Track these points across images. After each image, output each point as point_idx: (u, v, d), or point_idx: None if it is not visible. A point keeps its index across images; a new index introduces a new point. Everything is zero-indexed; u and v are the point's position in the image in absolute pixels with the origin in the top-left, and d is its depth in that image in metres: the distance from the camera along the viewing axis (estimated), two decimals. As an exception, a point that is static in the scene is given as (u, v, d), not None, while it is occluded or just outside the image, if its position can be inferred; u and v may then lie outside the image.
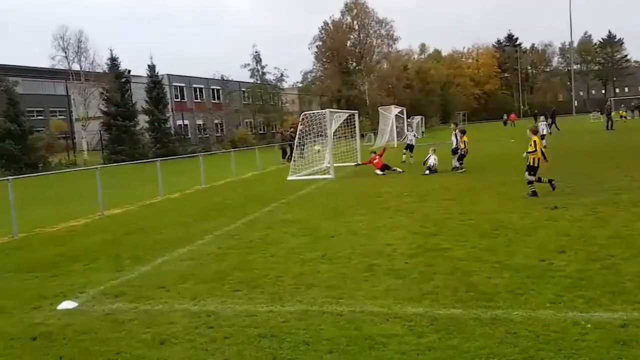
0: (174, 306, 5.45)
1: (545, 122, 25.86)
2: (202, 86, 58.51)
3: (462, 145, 16.63)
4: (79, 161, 37.38)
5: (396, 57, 77.01)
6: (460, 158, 16.62)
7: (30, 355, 4.51)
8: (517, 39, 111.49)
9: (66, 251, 8.56)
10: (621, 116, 49.79)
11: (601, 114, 59.25)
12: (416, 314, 4.76)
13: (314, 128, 21.06)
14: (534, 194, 10.75)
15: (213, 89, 59.18)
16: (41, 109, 60.39)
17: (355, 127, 24.68)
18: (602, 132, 34.37)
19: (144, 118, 41.99)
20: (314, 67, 71.28)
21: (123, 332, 4.83)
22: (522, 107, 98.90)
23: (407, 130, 23.89)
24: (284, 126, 48.39)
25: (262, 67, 57.21)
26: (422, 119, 55.38)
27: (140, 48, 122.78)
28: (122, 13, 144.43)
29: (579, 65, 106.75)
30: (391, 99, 61.43)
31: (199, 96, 58.16)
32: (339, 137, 24.83)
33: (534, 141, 10.94)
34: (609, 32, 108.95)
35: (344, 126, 24.87)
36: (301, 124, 21.10)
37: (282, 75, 58.68)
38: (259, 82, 57.35)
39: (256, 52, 56.93)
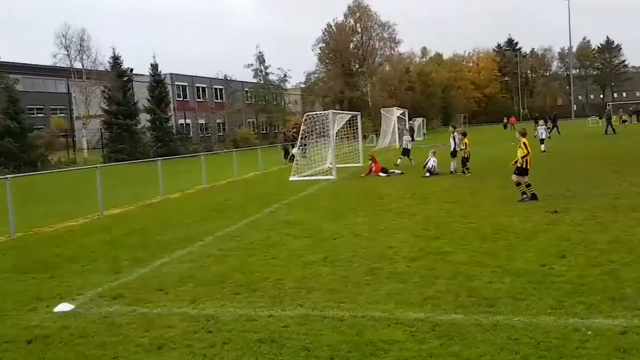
0: (172, 309, 5.40)
1: (544, 127, 25.81)
2: (204, 85, 58.57)
3: (463, 147, 16.57)
4: (78, 159, 37.31)
5: (398, 59, 77.24)
6: (465, 161, 16.53)
7: (25, 359, 4.45)
8: (517, 43, 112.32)
9: (64, 252, 8.50)
10: (624, 121, 50.02)
11: (600, 118, 59.49)
12: (418, 319, 4.73)
13: (316, 129, 21.06)
14: (534, 196, 10.72)
15: (216, 89, 59.25)
16: (41, 107, 60.36)
17: (357, 128, 24.68)
18: (601, 136, 34.39)
19: (145, 117, 41.93)
20: (317, 68, 71.76)
21: (120, 336, 4.76)
22: (521, 110, 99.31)
23: (404, 134, 23.81)
24: (286, 126, 48.39)
25: (266, 68, 57.47)
26: (423, 121, 55.53)
27: (143, 47, 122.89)
28: (126, 12, 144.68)
29: (577, 70, 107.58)
30: (393, 100, 61.61)
31: (201, 95, 58.22)
32: (341, 138, 24.85)
33: (524, 143, 10.99)
34: (607, 37, 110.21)
35: (347, 127, 24.90)
36: (304, 125, 21.09)
37: (285, 75, 59.02)
38: (262, 82, 57.50)
39: (260, 52, 57.21)
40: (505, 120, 63.57)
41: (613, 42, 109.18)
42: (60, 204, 15.38)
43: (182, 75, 55.94)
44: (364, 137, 29.12)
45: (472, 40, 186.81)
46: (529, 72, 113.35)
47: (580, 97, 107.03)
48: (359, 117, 24.77)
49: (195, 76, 57.66)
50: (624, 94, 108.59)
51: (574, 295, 5.11)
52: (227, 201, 13.65)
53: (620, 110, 59.20)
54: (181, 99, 54.95)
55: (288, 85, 62.94)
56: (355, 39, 70.71)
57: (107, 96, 39.73)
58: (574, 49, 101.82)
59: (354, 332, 4.52)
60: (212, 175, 18.61)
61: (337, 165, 19.25)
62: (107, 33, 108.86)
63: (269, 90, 58.38)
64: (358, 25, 70.67)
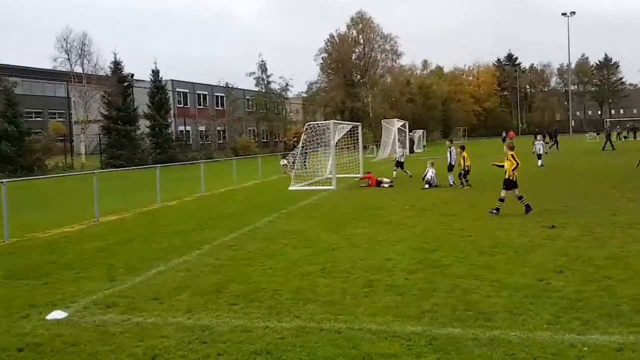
0: (167, 319, 5.34)
1: (542, 142, 25.86)
2: (206, 93, 58.75)
3: (461, 162, 16.55)
4: (76, 165, 37.17)
5: (399, 71, 77.75)
6: (464, 175, 16.52)
7: (16, 366, 4.39)
8: (516, 58, 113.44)
9: (58, 258, 8.42)
10: (624, 137, 50.53)
11: (597, 134, 59.87)
12: (415, 332, 4.71)
13: (317, 138, 21.09)
14: (528, 208, 10.86)
15: (217, 96, 59.42)
16: (40, 111, 60.33)
17: (358, 138, 24.73)
18: (599, 152, 34.52)
19: (145, 123, 41.91)
20: (319, 78, 72.20)
21: (113, 345, 4.70)
22: (520, 125, 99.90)
23: (397, 147, 23.85)
24: (287, 135, 48.45)
25: (268, 76, 57.71)
26: (423, 133, 55.74)
27: (145, 53, 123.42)
28: (129, 18, 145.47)
29: (576, 86, 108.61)
30: (394, 112, 61.93)
31: (202, 102, 58.37)
32: (342, 148, 24.87)
33: (511, 155, 11.10)
34: (606, 55, 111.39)
35: (347, 137, 24.95)
36: (305, 134, 21.12)
37: (287, 84, 59.28)
38: (263, 90, 57.70)
39: (262, 61, 57.47)
40: (504, 134, 63.74)
41: (611, 59, 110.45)
42: (56, 209, 15.30)
43: (183, 82, 56.13)
44: (365, 147, 29.16)
45: (473, 54, 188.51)
46: (528, 87, 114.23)
47: (578, 113, 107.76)
48: (359, 128, 24.82)
49: (196, 83, 57.87)
50: (621, 111, 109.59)
51: (570, 310, 5.11)
52: (226, 210, 13.60)
53: (618, 127, 59.59)
54: (182, 105, 55.06)
55: (290, 95, 63.27)
56: (357, 50, 71.22)
57: (106, 101, 39.72)
58: (573, 66, 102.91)
59: (351, 345, 4.48)
60: (211, 183, 18.57)
61: (337, 176, 19.25)
62: (110, 38, 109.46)
63: (271, 99, 58.59)
64: (360, 36, 71.22)
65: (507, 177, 11.07)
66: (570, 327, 4.70)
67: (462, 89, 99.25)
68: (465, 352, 4.24)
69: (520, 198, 11.08)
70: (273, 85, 58.45)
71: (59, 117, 59.54)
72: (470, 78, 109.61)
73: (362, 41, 71.32)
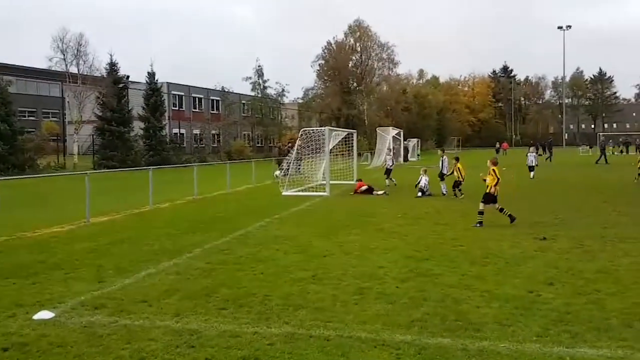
0: (155, 322, 5.29)
1: (534, 154, 26.02)
2: (201, 96, 58.70)
3: (457, 172, 16.55)
4: (68, 165, 36.90)
5: (396, 80, 78.14)
6: (457, 185, 16.56)
7: (1, 366, 4.33)
8: (511, 70, 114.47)
9: (47, 258, 8.34)
10: (621, 151, 51.20)
11: (590, 147, 60.45)
12: (404, 341, 4.70)
13: (312, 144, 21.10)
14: (512, 218, 11.06)
15: (213, 100, 59.38)
16: (34, 110, 59.93)
17: (353, 146, 24.77)
18: (592, 165, 34.80)
19: (139, 125, 41.77)
20: (316, 84, 72.32)
21: (100, 347, 4.65)
22: (514, 136, 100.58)
23: (386, 154, 23.84)
24: (282, 140, 48.46)
25: (264, 81, 57.76)
26: (418, 141, 55.96)
27: (141, 55, 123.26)
28: (127, 20, 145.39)
29: (570, 100, 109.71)
30: (389, 120, 62.14)
31: (197, 106, 58.29)
32: (336, 155, 24.91)
33: (493, 170, 11.27)
34: (600, 69, 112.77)
35: (342, 144, 24.97)
36: (300, 140, 21.13)
37: (283, 90, 59.38)
38: (259, 95, 57.74)
39: (259, 66, 57.54)
40: (497, 145, 64.25)
41: (605, 73, 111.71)
42: (47, 209, 15.17)
43: (179, 84, 56.05)
44: (359, 154, 29.22)
45: (468, 66, 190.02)
46: (522, 99, 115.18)
47: (571, 126, 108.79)
48: (354, 135, 24.87)
49: (192, 86, 57.81)
50: (615, 125, 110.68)
51: (559, 323, 5.13)
52: (218, 214, 13.55)
53: (610, 141, 60.30)
54: (177, 108, 54.94)
55: (285, 100, 63.33)
56: (354, 57, 71.47)
57: (101, 102, 39.55)
58: (567, 79, 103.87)
59: (340, 353, 4.46)
60: (203, 187, 18.50)
61: (331, 182, 19.25)
62: (106, 39, 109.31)
63: (266, 104, 58.63)
64: (358, 44, 71.51)
65: (487, 191, 11.25)
66: (559, 340, 4.71)
67: (457, 99, 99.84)
68: (454, 363, 4.23)
69: (501, 210, 11.26)
70: (269, 91, 58.64)
71: (52, 117, 59.13)
72: (466, 89, 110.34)
73: (359, 49, 71.61)
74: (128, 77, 43.70)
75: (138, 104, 42.30)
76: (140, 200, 15.51)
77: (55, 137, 42.64)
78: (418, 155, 53.07)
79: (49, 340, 4.83)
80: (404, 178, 23.13)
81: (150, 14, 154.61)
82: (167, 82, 51.28)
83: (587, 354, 4.41)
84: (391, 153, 23.66)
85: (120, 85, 40.67)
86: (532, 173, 24.39)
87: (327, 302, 5.85)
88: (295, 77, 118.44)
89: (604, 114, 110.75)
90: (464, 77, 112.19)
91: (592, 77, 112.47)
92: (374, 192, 18.14)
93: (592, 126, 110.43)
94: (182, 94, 56.17)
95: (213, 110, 59.02)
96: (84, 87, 40.86)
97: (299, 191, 18.79)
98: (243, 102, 60.12)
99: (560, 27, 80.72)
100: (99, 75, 41.29)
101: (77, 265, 7.81)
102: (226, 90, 57.87)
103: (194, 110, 57.25)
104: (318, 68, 71.10)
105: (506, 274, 7.02)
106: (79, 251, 8.86)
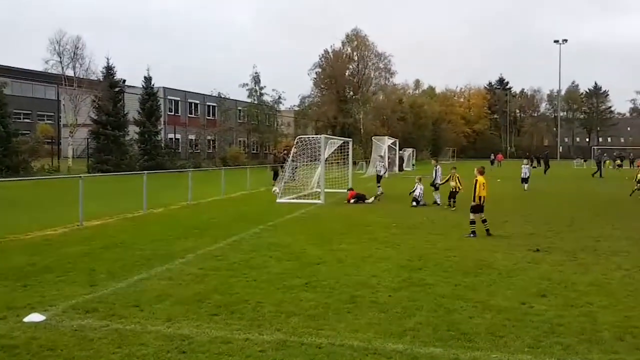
0: (147, 327, 5.27)
1: (528, 166, 26.16)
2: (197, 102, 58.71)
3: (453, 183, 16.56)
4: (62, 168, 36.72)
5: (392, 90, 78.55)
6: (452, 196, 16.58)
7: (-11, 369, 4.29)
8: (507, 82, 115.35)
9: (39, 261, 8.29)
10: (618, 165, 51.68)
11: (585, 161, 60.91)
12: (396, 350, 4.70)
13: (307, 152, 21.11)
14: (474, 234, 11.09)
15: (209, 105, 59.39)
16: (29, 112, 59.69)
17: (348, 154, 24.82)
18: (587, 178, 35.06)
19: (134, 129, 41.69)
20: (312, 92, 72.58)
21: (91, 351, 4.63)
22: (509, 148, 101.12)
23: (378, 161, 23.85)
24: (277, 147, 48.48)
25: (261, 88, 57.90)
26: (413, 151, 56.16)
27: (138, 59, 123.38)
28: (124, 24, 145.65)
29: (565, 113, 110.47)
30: (385, 129, 62.41)
31: (193, 111, 58.27)
32: (331, 163, 24.92)
33: (475, 180, 11.41)
34: (595, 83, 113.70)
35: (337, 153, 25.01)
36: (295, 147, 21.14)
37: (279, 97, 59.52)
38: (256, 102, 57.82)
39: (256, 73, 57.70)
40: (492, 156, 64.56)
41: (601, 88, 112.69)
42: (40, 212, 15.07)
43: (175, 89, 56.07)
44: (354, 163, 29.26)
45: (465, 77, 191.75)
46: (517, 111, 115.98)
47: (566, 139, 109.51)
48: (350, 144, 24.93)
49: (188, 91, 57.83)
50: (609, 139, 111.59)
51: (551, 335, 5.14)
52: (212, 219, 13.51)
53: (605, 154, 60.83)
54: (172, 113, 54.92)
55: (282, 107, 63.49)
56: (351, 66, 71.86)
57: (97, 106, 39.46)
58: (563, 92, 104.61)
59: (331, 361, 4.45)
60: (198, 192, 18.46)
61: (326, 190, 19.25)
62: (104, 43, 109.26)
63: (263, 111, 58.72)
64: (355, 53, 71.92)
65: (474, 203, 11.32)
66: (551, 352, 4.72)
67: (453, 110, 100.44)
68: (446, 372, 4.24)
69: (483, 221, 11.32)
70: (266, 98, 58.76)
71: (47, 120, 58.94)
72: (462, 100, 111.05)
73: (356, 58, 72.04)
74: (124, 81, 43.67)
75: (134, 108, 42.24)
76: (134, 204, 15.44)
77: (50, 140, 42.43)
78: (413, 165, 53.25)
79: (40, 343, 4.80)
80: (398, 187, 23.20)
81: (148, 19, 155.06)
82: (163, 87, 51.31)
83: (578, 366, 4.42)
84: (383, 160, 23.69)
85: (117, 89, 40.62)
86: (526, 185, 24.52)
87: (320, 310, 5.85)
88: (292, 85, 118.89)
89: (598, 128, 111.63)
90: (460, 88, 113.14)
91: (588, 91, 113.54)
92: (366, 201, 18.17)
93: (587, 140, 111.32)
94: (178, 99, 56.19)
95: (209, 116, 59.02)
96: (80, 90, 40.75)
97: (293, 199, 18.79)
98: (239, 108, 60.20)
99: (556, 41, 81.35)
100: (95, 78, 41.23)
101: (69, 269, 7.76)
102: (223, 96, 57.95)
103: (189, 115, 57.24)
104: (315, 76, 71.51)
105: (499, 285, 7.04)
106: (72, 254, 8.81)
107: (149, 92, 42.84)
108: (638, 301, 6.35)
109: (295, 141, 21.54)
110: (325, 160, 20.44)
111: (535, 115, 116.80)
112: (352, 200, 18.13)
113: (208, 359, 4.48)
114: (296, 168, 22.29)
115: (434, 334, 5.13)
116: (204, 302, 6.10)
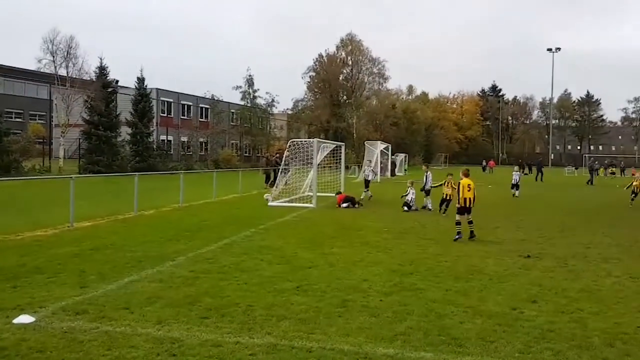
0: (137, 329, 5.24)
1: (518, 173, 26.31)
2: (190, 103, 58.52)
3: (445, 189, 16.53)
4: (53, 168, 36.41)
5: (385, 95, 78.81)
6: (443, 201, 16.59)
7: (-23, 371, 4.24)
8: (500, 89, 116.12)
9: (29, 262, 8.21)
10: (611, 173, 52.24)
11: (576, 168, 61.44)
12: (387, 355, 4.71)
13: (300, 155, 21.12)
14: (459, 234, 11.22)
15: (201, 107, 59.24)
16: (20, 111, 59.20)
17: (340, 158, 24.86)
18: (578, 186, 35.41)
19: (126, 130, 41.47)
20: (306, 96, 72.65)
21: (80, 353, 4.59)
22: (500, 155, 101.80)
23: (367, 166, 23.91)
24: (270, 151, 48.42)
25: (254, 91, 57.85)
26: (405, 156, 56.35)
27: (131, 59, 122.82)
28: (119, 23, 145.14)
29: (557, 121, 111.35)
30: (377, 134, 62.58)
31: (186, 113, 58.07)
32: (324, 167, 24.92)
33: (458, 182, 11.64)
34: (588, 92, 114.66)
35: (330, 157, 25.03)
36: (287, 151, 21.13)
37: (273, 100, 59.49)
38: (249, 105, 57.78)
39: (250, 75, 57.66)
40: (484, 163, 64.96)
41: (593, 96, 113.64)
42: (30, 212, 14.93)
43: (168, 91, 55.89)
44: (347, 167, 29.32)
45: (458, 83, 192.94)
46: (510, 118, 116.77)
47: (558, 147, 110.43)
48: (342, 148, 24.98)
49: (181, 93, 57.66)
50: (600, 147, 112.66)
51: (542, 340, 5.18)
52: (203, 222, 13.46)
53: (597, 162, 61.48)
54: (165, 114, 54.70)
55: (275, 111, 63.44)
56: (345, 71, 72.06)
57: (89, 106, 39.21)
58: (555, 100, 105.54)
59: (322, 365, 4.45)
60: (189, 195, 18.39)
61: (318, 194, 19.26)
62: (97, 43, 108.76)
63: (256, 114, 58.69)
64: (349, 58, 72.14)
65: (459, 205, 11.47)
66: (542, 357, 4.75)
67: (446, 116, 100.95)
68: (436, 377, 4.25)
69: (469, 222, 11.44)
70: (259, 100, 58.72)
71: (39, 119, 58.46)
72: (454, 106, 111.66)
73: (350, 63, 72.27)
74: (117, 81, 43.45)
75: (126, 109, 42.02)
76: (125, 206, 15.35)
77: (42, 140, 42.08)
78: (405, 170, 53.43)
79: (29, 344, 4.76)
80: (390, 192, 23.26)
81: (143, 20, 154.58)
82: (156, 88, 51.12)
83: (567, 371, 4.45)
84: (372, 165, 23.73)
85: (109, 90, 40.42)
86: (517, 192, 24.67)
87: (311, 314, 5.85)
88: (285, 89, 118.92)
89: (590, 136, 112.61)
90: (453, 94, 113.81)
91: (580, 99, 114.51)
92: (356, 206, 18.10)
93: (578, 147, 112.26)
94: (171, 100, 56.00)
95: (202, 118, 58.86)
96: (73, 90, 40.47)
97: (285, 202, 18.77)
98: (232, 111, 60.09)
99: (549, 49, 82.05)
100: (88, 78, 40.99)
101: (60, 270, 7.70)
102: (216, 98, 57.86)
103: (182, 117, 57.03)
104: (309, 80, 71.64)
105: (490, 291, 7.08)
106: (62, 256, 8.74)
107: (141, 93, 42.67)
108: (628, 308, 6.42)
109: (288, 145, 21.55)
110: (318, 164, 20.45)
111: (528, 122, 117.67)
112: (343, 205, 18.10)
113: (198, 362, 4.45)
114: (288, 172, 22.28)
115: (424, 338, 5.15)
116: (195, 305, 6.07)
